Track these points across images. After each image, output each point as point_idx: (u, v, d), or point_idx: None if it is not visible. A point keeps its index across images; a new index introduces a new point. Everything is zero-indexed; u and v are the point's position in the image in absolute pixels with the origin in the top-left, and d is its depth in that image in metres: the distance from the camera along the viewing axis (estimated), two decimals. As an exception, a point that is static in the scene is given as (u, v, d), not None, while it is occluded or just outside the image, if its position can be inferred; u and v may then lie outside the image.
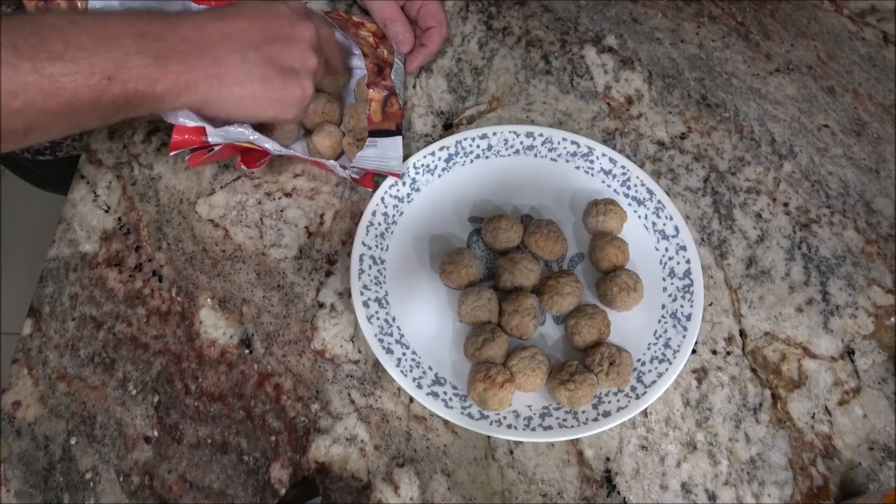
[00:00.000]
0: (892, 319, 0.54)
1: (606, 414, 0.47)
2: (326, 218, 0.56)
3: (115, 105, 0.40)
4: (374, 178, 0.55)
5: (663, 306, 0.52)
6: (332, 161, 0.54)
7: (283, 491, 0.47)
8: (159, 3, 0.55)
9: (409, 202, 0.56)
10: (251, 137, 0.51)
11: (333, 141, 0.56)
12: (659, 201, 0.55)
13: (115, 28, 0.40)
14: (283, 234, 0.55)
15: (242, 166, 0.53)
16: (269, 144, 0.52)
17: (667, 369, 0.49)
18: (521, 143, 0.59)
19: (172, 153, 0.50)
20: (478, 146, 0.58)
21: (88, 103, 0.39)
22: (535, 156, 0.59)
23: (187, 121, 0.49)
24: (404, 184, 0.56)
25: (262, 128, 0.55)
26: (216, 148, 0.51)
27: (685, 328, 0.50)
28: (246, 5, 0.47)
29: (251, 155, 0.53)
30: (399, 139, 0.55)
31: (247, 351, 0.51)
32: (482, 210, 0.57)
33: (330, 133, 0.56)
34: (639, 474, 0.47)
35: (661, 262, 0.54)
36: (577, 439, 0.48)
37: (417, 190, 0.57)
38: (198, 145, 0.50)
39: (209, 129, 0.51)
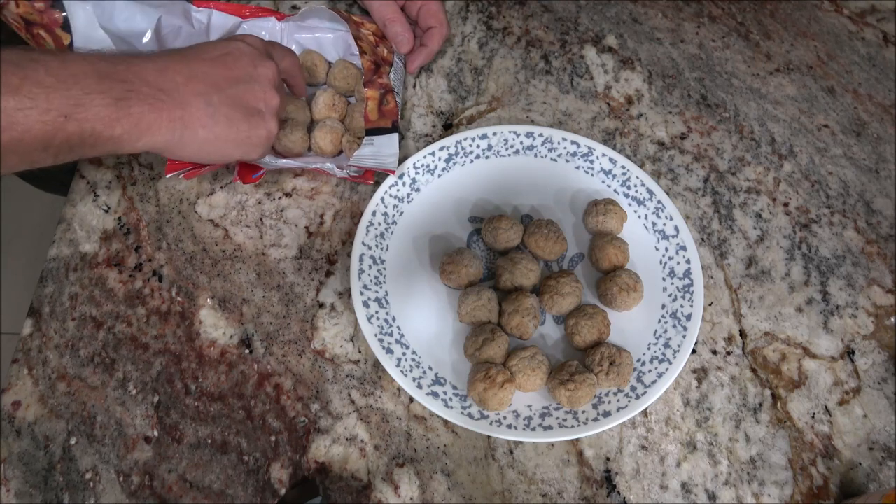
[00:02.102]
0: (892, 319, 0.54)
1: (606, 414, 0.47)
2: (326, 218, 0.56)
3: (69, 144, 0.39)
4: (374, 174, 0.55)
5: (663, 306, 0.52)
6: (329, 164, 0.54)
7: (283, 491, 0.47)
8: (159, 4, 0.55)
9: (409, 202, 0.56)
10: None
11: (334, 136, 0.56)
12: (659, 201, 0.55)
13: (75, 67, 0.39)
14: (283, 234, 0.55)
15: (238, 181, 0.53)
16: (265, 158, 0.52)
17: (667, 369, 0.49)
18: (521, 143, 0.59)
19: (169, 175, 0.50)
20: (478, 146, 0.58)
21: (41, 140, 0.38)
22: (535, 156, 0.59)
23: None
24: (404, 184, 0.56)
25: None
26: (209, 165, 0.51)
27: (685, 328, 0.50)
28: (206, 46, 0.47)
29: (246, 169, 0.53)
30: (395, 136, 0.55)
31: (247, 351, 0.51)
32: (482, 210, 0.57)
33: (332, 129, 0.56)
34: (639, 474, 0.47)
35: (661, 262, 0.54)
36: (577, 439, 0.48)
37: (417, 190, 0.57)
38: (194, 165, 0.51)
39: None
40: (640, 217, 0.56)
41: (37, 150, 0.39)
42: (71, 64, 0.39)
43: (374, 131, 0.55)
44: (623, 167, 0.57)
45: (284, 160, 0.54)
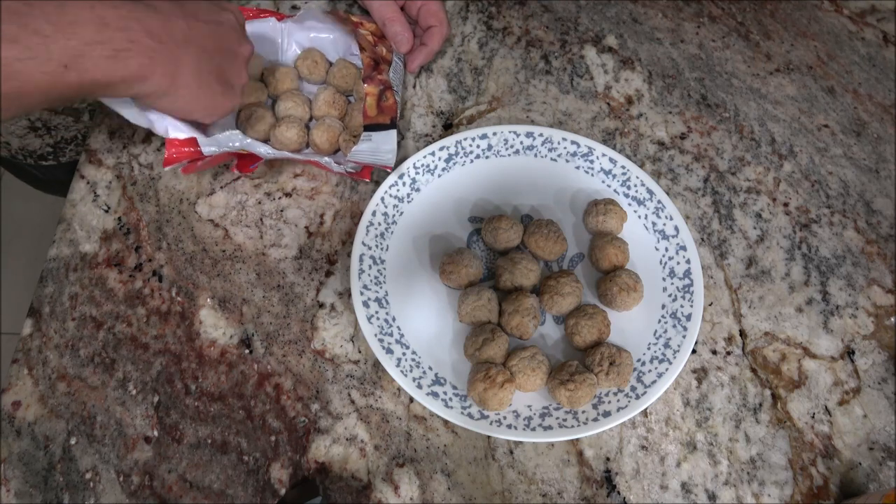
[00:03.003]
0: (892, 319, 0.54)
1: (606, 414, 0.47)
2: (326, 218, 0.56)
3: (68, 93, 0.39)
4: (372, 172, 0.55)
5: (663, 306, 0.52)
6: (327, 158, 0.54)
7: (283, 491, 0.47)
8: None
9: (409, 202, 0.56)
10: (244, 143, 0.52)
11: (331, 135, 0.56)
12: (659, 201, 0.55)
13: (74, 13, 0.38)
14: (283, 234, 0.55)
15: (236, 171, 0.53)
16: (263, 149, 0.52)
17: (667, 369, 0.49)
18: (521, 143, 0.59)
19: (167, 168, 0.50)
20: (478, 146, 0.58)
21: (42, 90, 0.37)
22: (535, 156, 0.59)
23: (178, 133, 0.50)
24: (404, 184, 0.56)
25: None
26: (208, 157, 0.51)
27: (685, 328, 0.50)
28: (201, 6, 0.47)
29: (244, 159, 0.53)
30: (393, 132, 0.55)
31: (247, 351, 0.51)
32: (482, 210, 0.57)
33: (329, 127, 0.56)
34: (639, 474, 0.47)
35: (661, 262, 0.54)
36: (577, 439, 0.48)
37: (417, 190, 0.57)
38: (192, 157, 0.51)
39: (201, 138, 0.51)
40: (640, 217, 0.56)
41: (36, 99, 0.38)
42: (70, 10, 0.38)
43: (372, 127, 0.55)
44: (623, 167, 0.57)
45: (281, 152, 0.54)
